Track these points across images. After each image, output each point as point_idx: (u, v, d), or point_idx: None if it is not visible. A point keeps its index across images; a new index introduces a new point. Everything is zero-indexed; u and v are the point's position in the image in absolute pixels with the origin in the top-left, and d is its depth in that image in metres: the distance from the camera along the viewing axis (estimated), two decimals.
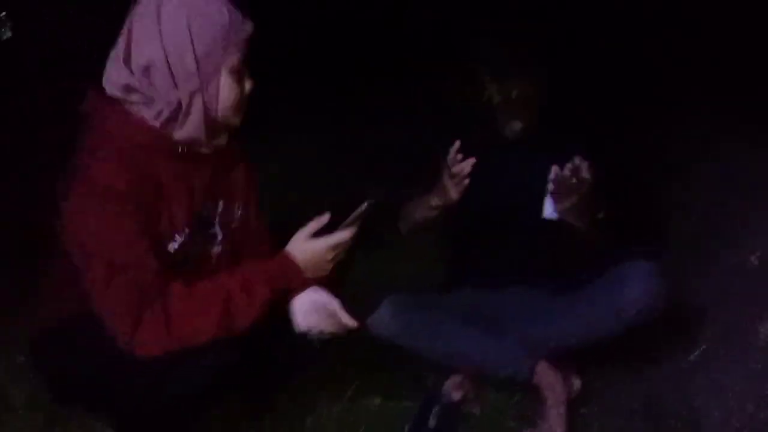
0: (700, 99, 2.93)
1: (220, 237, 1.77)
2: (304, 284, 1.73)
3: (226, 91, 1.63)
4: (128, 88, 1.60)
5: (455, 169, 2.05)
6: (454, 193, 2.09)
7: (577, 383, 2.20)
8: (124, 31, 1.61)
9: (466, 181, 2.06)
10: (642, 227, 2.43)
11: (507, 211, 2.25)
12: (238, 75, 1.64)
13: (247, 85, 1.67)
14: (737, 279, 2.36)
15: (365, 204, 1.71)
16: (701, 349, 2.21)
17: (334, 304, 1.73)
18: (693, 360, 2.19)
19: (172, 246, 1.67)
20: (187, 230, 1.68)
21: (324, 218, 1.72)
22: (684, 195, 2.83)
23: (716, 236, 2.59)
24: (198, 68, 1.58)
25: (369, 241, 1.82)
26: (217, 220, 1.76)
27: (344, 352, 2.05)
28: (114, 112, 1.61)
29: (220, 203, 1.76)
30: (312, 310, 1.73)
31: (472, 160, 2.04)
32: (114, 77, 1.61)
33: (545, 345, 2.14)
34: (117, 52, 1.61)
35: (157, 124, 1.61)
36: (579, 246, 2.25)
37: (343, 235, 1.72)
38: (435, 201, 2.16)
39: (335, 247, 1.72)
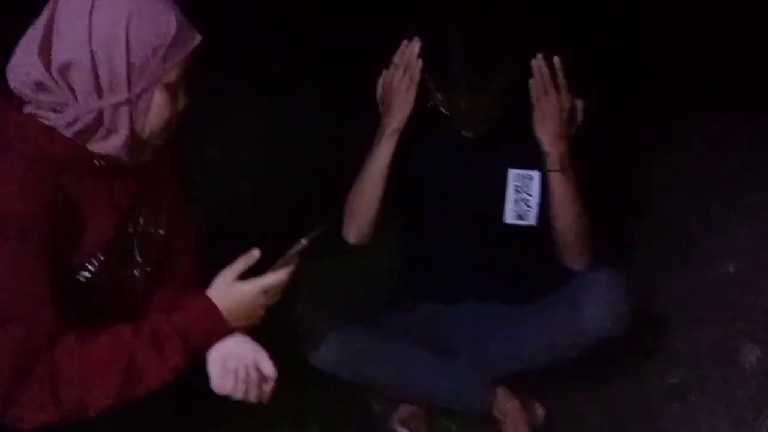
0: (674, 97, 2.71)
1: (140, 260, 1.51)
2: (228, 335, 1.46)
3: (158, 109, 1.37)
4: (39, 86, 1.31)
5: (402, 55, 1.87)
6: (404, 98, 1.87)
7: (540, 412, 1.99)
8: (46, 14, 1.32)
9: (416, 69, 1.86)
10: (606, 230, 2.21)
11: (465, 214, 2.01)
12: (174, 91, 1.38)
13: (182, 103, 1.41)
14: (712, 292, 2.17)
15: (305, 239, 1.45)
16: (674, 371, 2.00)
17: (259, 356, 1.46)
18: (666, 384, 1.99)
19: (84, 273, 1.41)
20: (101, 255, 1.42)
21: (253, 254, 1.45)
22: (653, 196, 2.62)
23: (688, 242, 2.38)
24: (129, 78, 1.32)
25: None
26: (136, 241, 1.49)
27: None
28: (17, 116, 1.34)
29: (141, 222, 1.49)
30: (230, 370, 1.44)
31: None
32: (24, 70, 1.32)
33: (503, 368, 1.93)
34: (32, 39, 1.32)
35: (68, 134, 1.34)
36: (543, 254, 2.02)
37: (278, 276, 1.46)
38: (391, 125, 1.89)
39: (268, 290, 1.45)
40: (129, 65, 1.31)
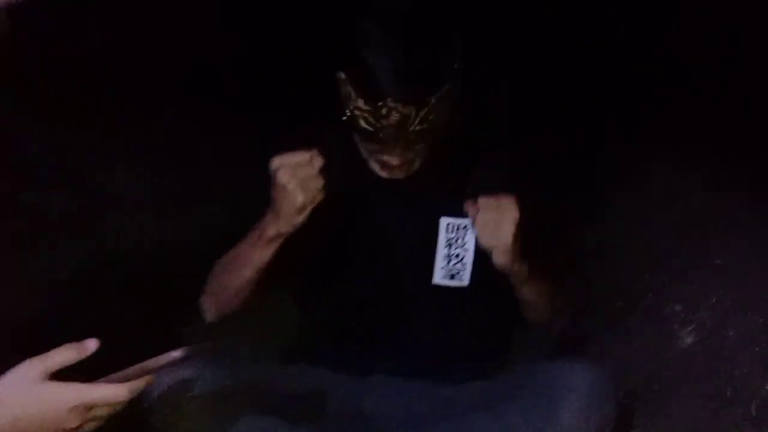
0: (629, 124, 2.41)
1: None
2: None
3: None
4: None
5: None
6: (290, 211, 1.46)
7: None
8: None
9: (317, 189, 1.46)
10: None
11: (380, 274, 1.66)
12: None
13: None
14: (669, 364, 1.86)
15: (181, 352, 1.07)
16: None
17: None
18: None
19: None
20: None
21: (88, 346, 1.04)
22: (603, 244, 2.30)
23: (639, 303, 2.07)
24: None
25: None
26: None
27: None
28: None
29: None
30: None
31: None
32: None
33: None
34: None
35: None
36: (478, 320, 1.70)
37: (114, 391, 1.04)
38: (271, 230, 1.52)
39: (90, 408, 1.03)
40: None
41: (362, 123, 1.48)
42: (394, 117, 1.44)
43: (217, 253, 1.65)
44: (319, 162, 1.45)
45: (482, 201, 1.51)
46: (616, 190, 2.39)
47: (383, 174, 1.62)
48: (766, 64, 1.89)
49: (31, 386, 1.02)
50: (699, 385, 1.74)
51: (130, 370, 1.06)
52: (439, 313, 1.68)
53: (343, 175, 1.54)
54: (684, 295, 1.98)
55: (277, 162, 1.45)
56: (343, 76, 1.49)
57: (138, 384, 1.06)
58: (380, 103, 1.43)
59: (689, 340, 1.89)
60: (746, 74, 1.98)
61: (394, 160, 1.55)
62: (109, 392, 1.04)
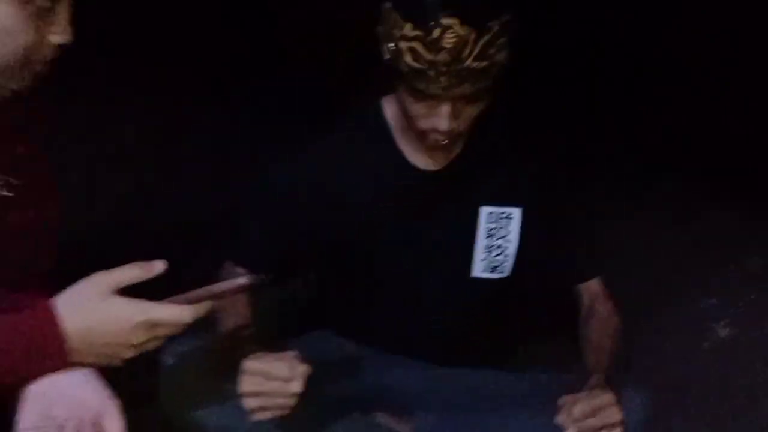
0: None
1: None
2: (66, 367, 1.02)
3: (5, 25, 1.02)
4: None
5: None
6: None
7: None
8: None
9: None
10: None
11: (416, 268, 1.56)
12: (38, 12, 1.04)
13: (61, 36, 1.08)
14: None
15: (246, 279, 1.08)
16: None
17: (105, 410, 1.03)
18: None
19: None
20: None
21: (156, 266, 1.03)
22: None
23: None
24: None
25: None
26: None
27: None
28: None
29: None
30: (52, 421, 1.00)
31: None
32: None
33: None
34: None
35: None
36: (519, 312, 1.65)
37: (179, 313, 1.02)
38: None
39: (156, 326, 1.02)
40: None
41: (409, 58, 1.29)
42: (449, 39, 1.25)
43: None
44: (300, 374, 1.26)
45: (578, 411, 1.32)
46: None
47: (419, 159, 1.52)
48: None
49: (100, 299, 1.01)
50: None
51: (194, 293, 1.05)
52: (475, 305, 1.59)
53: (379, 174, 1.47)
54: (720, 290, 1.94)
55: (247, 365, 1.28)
56: (388, 4, 1.33)
57: (201, 308, 1.05)
58: (432, 23, 1.25)
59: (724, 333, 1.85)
60: None
61: (442, 123, 1.34)
62: (174, 312, 1.03)
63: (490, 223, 1.54)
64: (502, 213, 1.54)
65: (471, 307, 1.59)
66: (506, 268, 1.56)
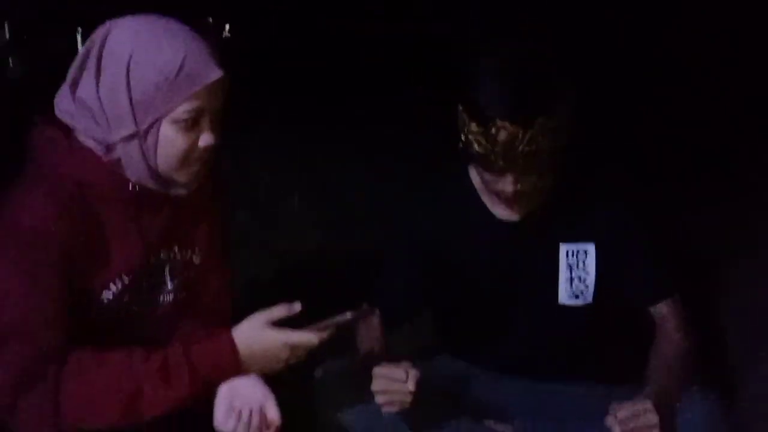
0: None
1: (170, 286, 1.59)
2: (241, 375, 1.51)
3: (165, 144, 1.43)
4: (72, 116, 1.44)
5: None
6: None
7: None
8: (87, 44, 1.44)
9: None
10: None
11: (509, 301, 1.91)
12: (186, 127, 1.43)
13: (204, 140, 1.46)
14: None
15: (351, 314, 1.51)
16: None
17: (267, 401, 1.49)
18: None
19: (107, 295, 1.48)
20: (126, 278, 1.50)
21: (295, 307, 1.49)
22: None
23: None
24: (134, 113, 1.40)
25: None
26: (167, 267, 1.57)
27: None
28: (64, 141, 1.44)
29: (176, 249, 1.59)
30: (235, 409, 1.48)
31: None
32: (62, 102, 1.45)
33: None
34: (70, 73, 1.45)
35: (105, 160, 1.44)
36: (604, 332, 1.94)
37: (309, 337, 1.49)
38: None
39: (295, 347, 1.49)
40: (132, 102, 1.38)
41: (475, 146, 1.67)
42: (503, 135, 1.62)
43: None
44: (413, 377, 1.61)
45: (622, 415, 1.60)
46: None
47: (501, 211, 1.84)
48: None
49: (260, 330, 1.48)
50: None
51: (322, 323, 1.49)
52: (565, 329, 1.92)
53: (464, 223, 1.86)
54: None
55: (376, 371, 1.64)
56: (460, 107, 1.71)
57: (323, 335, 1.49)
58: (490, 123, 1.65)
59: None
60: None
61: (508, 187, 1.69)
62: (308, 338, 1.48)
63: (569, 258, 1.87)
64: (579, 249, 1.87)
65: (561, 330, 1.91)
66: (588, 296, 1.87)
